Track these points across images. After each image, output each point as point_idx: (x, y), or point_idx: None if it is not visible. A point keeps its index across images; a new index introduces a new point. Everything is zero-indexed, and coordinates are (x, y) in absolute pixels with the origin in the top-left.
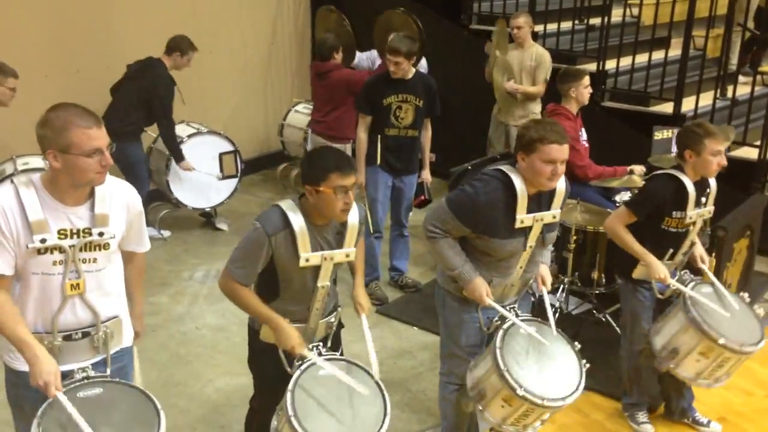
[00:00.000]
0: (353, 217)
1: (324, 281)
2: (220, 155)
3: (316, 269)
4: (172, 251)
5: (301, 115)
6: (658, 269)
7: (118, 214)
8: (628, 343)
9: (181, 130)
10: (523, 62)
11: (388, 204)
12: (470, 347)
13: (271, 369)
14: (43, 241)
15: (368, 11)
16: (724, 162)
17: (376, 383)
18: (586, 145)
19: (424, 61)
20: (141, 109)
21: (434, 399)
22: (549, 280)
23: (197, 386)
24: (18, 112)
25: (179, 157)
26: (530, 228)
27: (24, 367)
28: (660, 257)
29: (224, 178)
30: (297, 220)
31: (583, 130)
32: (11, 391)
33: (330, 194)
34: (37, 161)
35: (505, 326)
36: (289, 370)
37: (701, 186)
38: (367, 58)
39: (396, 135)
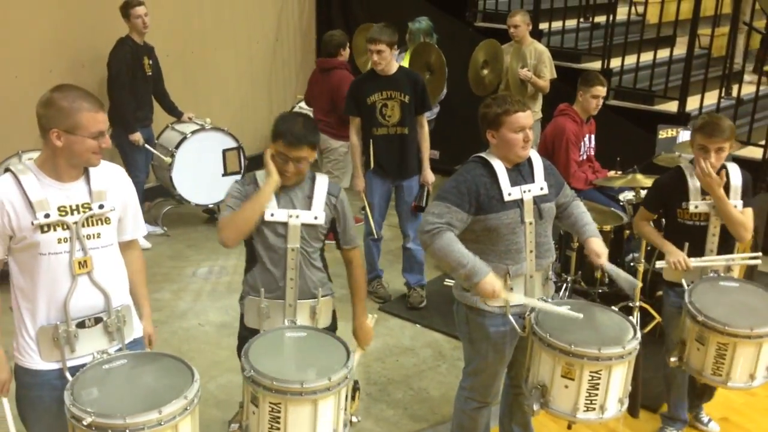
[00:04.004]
0: (322, 185)
1: (293, 243)
2: (224, 152)
3: (285, 229)
4: (176, 247)
5: (305, 111)
6: (674, 253)
7: (115, 192)
8: (663, 349)
9: (185, 126)
10: (523, 60)
11: (385, 207)
12: (498, 362)
13: None
14: (47, 216)
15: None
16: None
17: (343, 345)
18: (592, 152)
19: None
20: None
21: (436, 397)
22: (604, 251)
23: (200, 383)
24: (23, 107)
25: (129, 130)
26: (521, 201)
27: (39, 365)
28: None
29: (227, 174)
30: (260, 176)
31: (591, 137)
32: (23, 393)
33: None
34: (26, 164)
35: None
36: None
37: None
38: None
39: (385, 134)
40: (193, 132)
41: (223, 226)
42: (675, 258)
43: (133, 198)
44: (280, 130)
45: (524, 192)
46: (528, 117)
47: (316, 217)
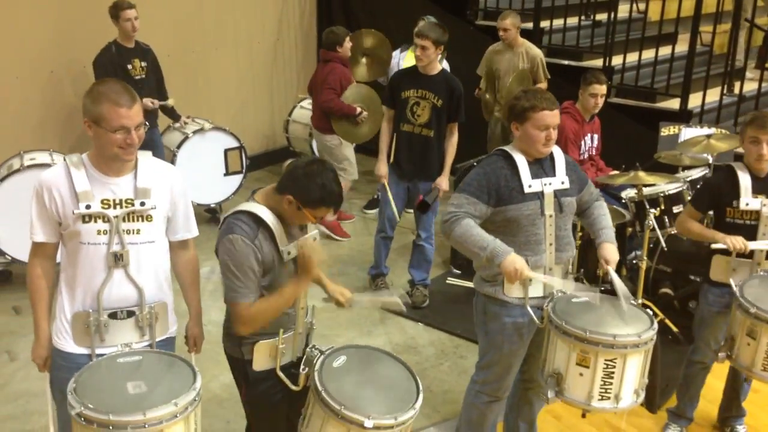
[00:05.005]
0: None
1: None
2: (225, 151)
3: (294, 262)
4: None
5: (306, 111)
6: (734, 240)
7: (161, 191)
8: (690, 349)
9: (186, 126)
10: (515, 63)
11: (400, 207)
12: (513, 355)
13: (272, 396)
14: (88, 207)
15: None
16: (763, 151)
17: (392, 356)
18: (594, 152)
19: (445, 63)
20: None
21: (439, 395)
22: (614, 259)
23: (202, 382)
24: (24, 108)
25: None
26: (542, 193)
27: (71, 348)
28: (729, 252)
29: (229, 174)
30: (268, 217)
31: (594, 136)
32: (55, 374)
33: None
34: (43, 156)
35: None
36: (294, 387)
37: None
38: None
39: (410, 132)
40: (195, 132)
41: (248, 321)
42: (733, 239)
43: (184, 198)
44: (323, 198)
45: (545, 185)
46: (554, 116)
47: (315, 239)
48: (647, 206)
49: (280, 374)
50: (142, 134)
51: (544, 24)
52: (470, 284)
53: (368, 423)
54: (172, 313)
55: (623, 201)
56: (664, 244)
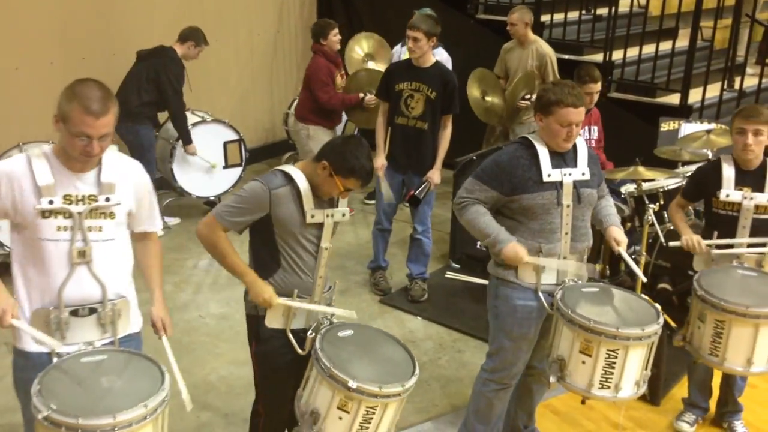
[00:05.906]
0: None
1: (327, 242)
2: (225, 144)
3: (319, 229)
4: (177, 239)
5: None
6: (689, 240)
7: (125, 187)
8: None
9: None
10: (524, 60)
11: (396, 199)
12: (522, 339)
13: (279, 357)
14: (50, 202)
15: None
16: (748, 141)
17: (399, 343)
18: (593, 144)
19: (443, 52)
20: (152, 90)
21: (437, 389)
22: (624, 240)
23: (201, 374)
24: (24, 99)
25: (187, 140)
26: (560, 183)
27: (31, 347)
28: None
29: (228, 167)
30: (300, 179)
31: (593, 128)
32: (19, 375)
33: None
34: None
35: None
36: (301, 351)
37: (755, 171)
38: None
39: (404, 125)
40: (194, 124)
41: (207, 233)
42: (689, 238)
43: (148, 194)
44: (354, 169)
45: (564, 175)
46: (579, 113)
47: (344, 215)
48: (646, 201)
49: (289, 335)
50: (106, 146)
51: (545, 18)
52: (469, 278)
53: (353, 384)
54: (136, 309)
55: (622, 196)
56: (663, 240)
